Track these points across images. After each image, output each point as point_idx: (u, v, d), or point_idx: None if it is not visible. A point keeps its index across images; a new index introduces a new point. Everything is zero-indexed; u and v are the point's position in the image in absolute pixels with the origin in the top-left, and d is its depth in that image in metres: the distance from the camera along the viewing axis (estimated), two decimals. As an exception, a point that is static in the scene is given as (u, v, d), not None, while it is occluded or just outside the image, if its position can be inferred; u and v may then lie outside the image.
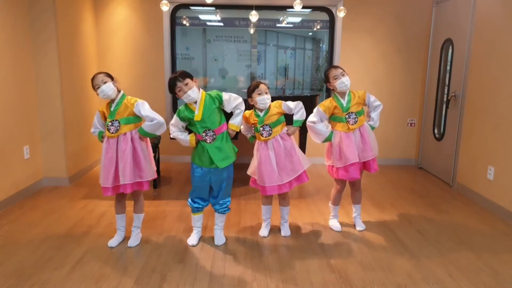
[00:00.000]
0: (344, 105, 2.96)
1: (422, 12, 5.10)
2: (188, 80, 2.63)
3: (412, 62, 5.23)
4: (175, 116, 2.74)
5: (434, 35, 4.95)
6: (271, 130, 2.84)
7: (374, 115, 3.06)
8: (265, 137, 2.84)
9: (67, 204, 3.67)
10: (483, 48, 3.90)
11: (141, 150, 2.71)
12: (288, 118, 2.97)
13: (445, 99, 4.69)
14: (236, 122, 2.78)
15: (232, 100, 2.74)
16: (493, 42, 3.73)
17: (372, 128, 3.06)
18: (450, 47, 4.57)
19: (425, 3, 5.07)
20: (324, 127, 3.01)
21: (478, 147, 3.92)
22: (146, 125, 2.67)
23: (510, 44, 3.47)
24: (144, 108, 2.67)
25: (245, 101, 2.85)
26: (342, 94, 2.99)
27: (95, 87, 2.65)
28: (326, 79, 3.02)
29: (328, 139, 3.01)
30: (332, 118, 3.04)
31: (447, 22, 4.66)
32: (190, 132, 2.79)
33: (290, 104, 2.88)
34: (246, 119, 2.95)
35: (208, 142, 2.68)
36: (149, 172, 2.76)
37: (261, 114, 2.87)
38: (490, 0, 3.80)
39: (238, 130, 2.82)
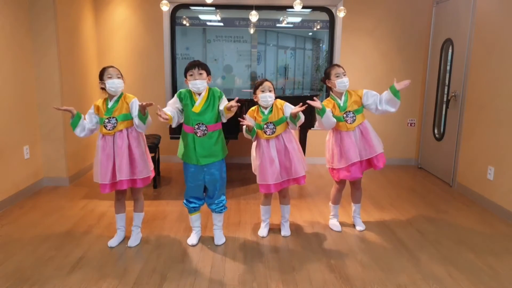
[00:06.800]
0: (341, 104, 2.97)
1: (422, 12, 5.10)
2: (204, 72, 2.70)
3: (412, 62, 5.23)
4: (175, 96, 2.76)
5: (434, 35, 4.95)
6: (275, 128, 2.84)
7: (384, 106, 2.93)
8: (269, 135, 2.84)
9: (67, 204, 3.67)
10: (483, 48, 3.90)
11: (136, 147, 2.72)
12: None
13: (445, 99, 4.69)
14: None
15: (224, 101, 2.79)
16: (493, 42, 3.73)
17: (395, 91, 2.85)
18: (450, 47, 4.57)
19: (425, 3, 5.07)
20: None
21: (478, 147, 3.92)
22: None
23: (510, 44, 3.47)
24: (138, 103, 2.72)
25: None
26: (339, 94, 3.01)
27: (106, 77, 2.66)
28: (326, 76, 3.01)
29: (324, 110, 2.85)
30: None
31: (447, 22, 4.66)
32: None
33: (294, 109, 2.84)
34: (251, 114, 2.95)
35: (198, 135, 2.70)
36: (144, 170, 2.75)
37: (266, 111, 2.87)
38: (490, 0, 3.80)
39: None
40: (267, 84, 2.84)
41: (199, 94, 2.73)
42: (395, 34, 5.16)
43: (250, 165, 3.08)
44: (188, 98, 2.72)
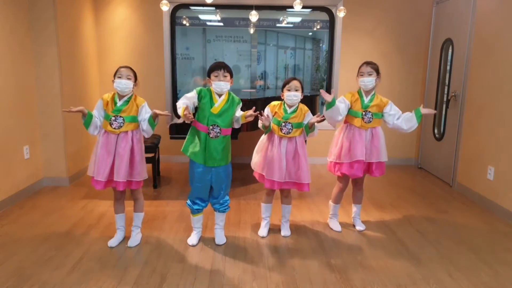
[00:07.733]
0: (365, 102, 2.98)
1: (422, 12, 5.10)
2: (228, 75, 2.74)
3: (412, 62, 5.23)
4: (194, 91, 2.76)
5: (434, 35, 4.95)
6: (292, 129, 2.85)
7: (399, 121, 3.02)
8: (283, 133, 2.85)
9: (67, 204, 3.67)
10: (483, 48, 3.90)
11: (139, 150, 2.75)
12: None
13: (445, 99, 4.69)
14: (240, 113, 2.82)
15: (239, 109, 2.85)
16: (493, 42, 3.73)
17: (419, 114, 3.01)
18: (450, 47, 4.57)
19: (425, 3, 5.07)
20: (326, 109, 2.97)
21: (478, 147, 3.92)
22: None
23: (510, 44, 3.47)
24: (147, 108, 2.78)
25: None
26: (367, 93, 3.00)
27: (117, 76, 2.70)
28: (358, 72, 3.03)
29: (331, 104, 2.90)
30: (350, 112, 3.02)
31: (447, 22, 4.66)
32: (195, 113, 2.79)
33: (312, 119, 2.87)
34: (272, 108, 2.95)
35: (211, 136, 2.71)
36: (143, 173, 2.79)
37: (289, 110, 2.88)
38: (490, 0, 3.80)
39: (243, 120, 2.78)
40: (294, 83, 2.85)
41: (219, 96, 2.74)
42: (395, 34, 5.16)
43: (250, 165, 3.08)
44: (208, 97, 2.73)
